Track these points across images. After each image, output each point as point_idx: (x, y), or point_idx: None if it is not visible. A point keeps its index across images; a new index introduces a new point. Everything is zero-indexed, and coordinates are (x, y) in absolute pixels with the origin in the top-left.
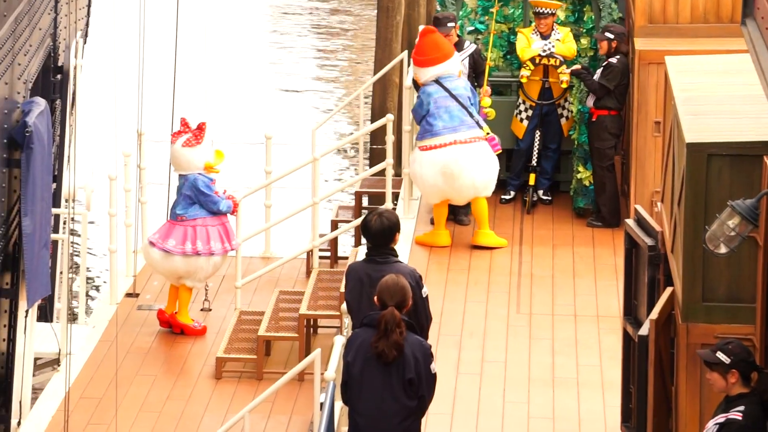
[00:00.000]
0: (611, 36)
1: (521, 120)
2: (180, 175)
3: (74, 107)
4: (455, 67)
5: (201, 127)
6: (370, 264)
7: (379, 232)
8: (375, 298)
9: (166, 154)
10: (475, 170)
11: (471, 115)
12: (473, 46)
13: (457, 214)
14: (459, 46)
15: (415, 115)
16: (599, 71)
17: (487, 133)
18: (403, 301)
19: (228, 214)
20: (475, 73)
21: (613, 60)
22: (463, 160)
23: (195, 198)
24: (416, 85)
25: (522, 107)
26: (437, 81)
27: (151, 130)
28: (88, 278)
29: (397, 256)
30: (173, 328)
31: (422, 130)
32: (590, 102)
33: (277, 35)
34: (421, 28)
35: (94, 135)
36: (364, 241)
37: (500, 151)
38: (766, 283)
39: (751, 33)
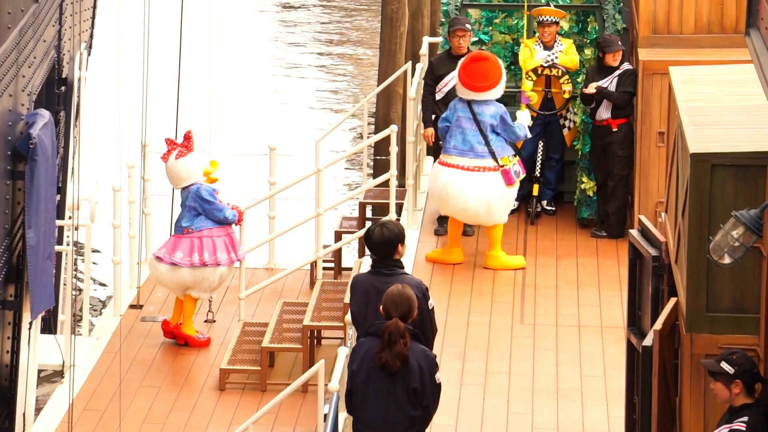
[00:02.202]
0: (621, 43)
1: None
2: (182, 189)
3: (78, 119)
4: (495, 95)
5: (188, 136)
6: (376, 276)
7: (381, 244)
8: (380, 308)
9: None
10: (468, 198)
11: (488, 144)
12: None
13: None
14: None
15: (440, 125)
16: (614, 81)
17: (502, 165)
18: (408, 312)
19: (233, 225)
20: None
21: (627, 66)
22: (456, 185)
23: (200, 208)
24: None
25: None
26: (469, 100)
27: (155, 141)
28: (92, 290)
29: (403, 267)
30: (177, 339)
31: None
32: (605, 114)
33: (281, 46)
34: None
35: (98, 146)
36: (368, 251)
37: (513, 183)
38: None
39: (755, 43)
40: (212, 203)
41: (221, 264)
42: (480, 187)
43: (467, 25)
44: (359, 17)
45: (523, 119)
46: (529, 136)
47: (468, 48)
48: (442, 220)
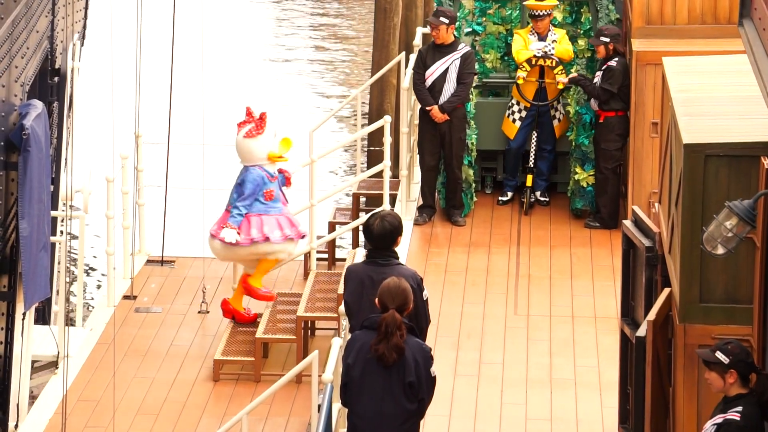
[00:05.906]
0: (607, 39)
1: (513, 121)
2: (244, 167)
3: (71, 109)
4: None
5: (262, 117)
6: (371, 266)
7: (381, 235)
8: (376, 300)
9: (163, 156)
10: None
11: None
12: (467, 48)
13: (452, 215)
14: (453, 46)
15: None
16: (599, 75)
17: None
18: (405, 304)
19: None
20: (461, 76)
21: (613, 63)
22: None
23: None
24: None
25: (515, 108)
26: None
27: (149, 132)
28: (85, 281)
29: (398, 258)
30: (224, 314)
31: None
32: (595, 105)
33: (275, 36)
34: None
35: (92, 137)
36: (362, 242)
37: None
38: (763, 283)
39: (748, 34)
40: (245, 196)
41: (272, 241)
42: None
43: (442, 18)
44: (353, 8)
45: None
46: None
47: (455, 37)
48: (422, 209)
